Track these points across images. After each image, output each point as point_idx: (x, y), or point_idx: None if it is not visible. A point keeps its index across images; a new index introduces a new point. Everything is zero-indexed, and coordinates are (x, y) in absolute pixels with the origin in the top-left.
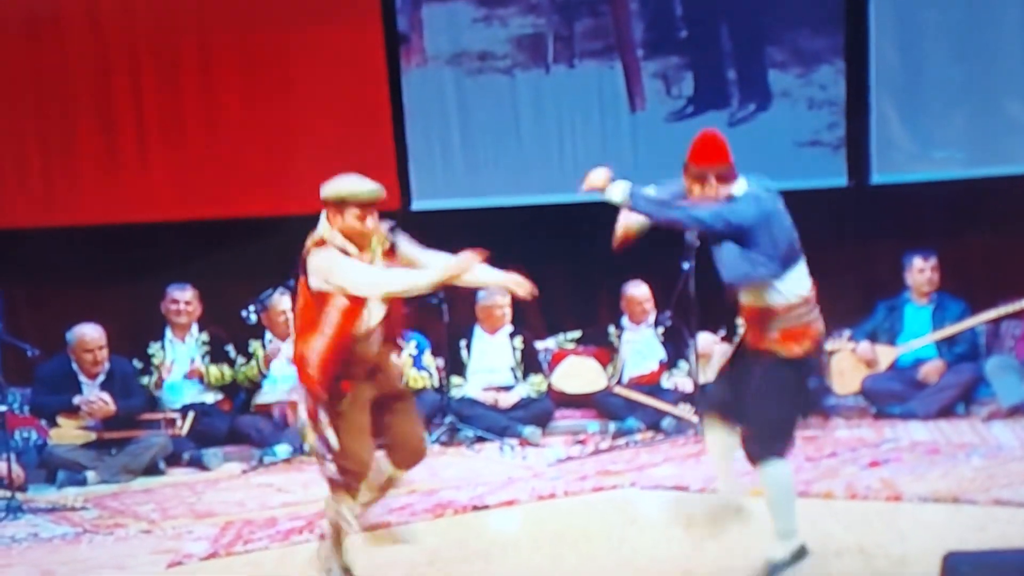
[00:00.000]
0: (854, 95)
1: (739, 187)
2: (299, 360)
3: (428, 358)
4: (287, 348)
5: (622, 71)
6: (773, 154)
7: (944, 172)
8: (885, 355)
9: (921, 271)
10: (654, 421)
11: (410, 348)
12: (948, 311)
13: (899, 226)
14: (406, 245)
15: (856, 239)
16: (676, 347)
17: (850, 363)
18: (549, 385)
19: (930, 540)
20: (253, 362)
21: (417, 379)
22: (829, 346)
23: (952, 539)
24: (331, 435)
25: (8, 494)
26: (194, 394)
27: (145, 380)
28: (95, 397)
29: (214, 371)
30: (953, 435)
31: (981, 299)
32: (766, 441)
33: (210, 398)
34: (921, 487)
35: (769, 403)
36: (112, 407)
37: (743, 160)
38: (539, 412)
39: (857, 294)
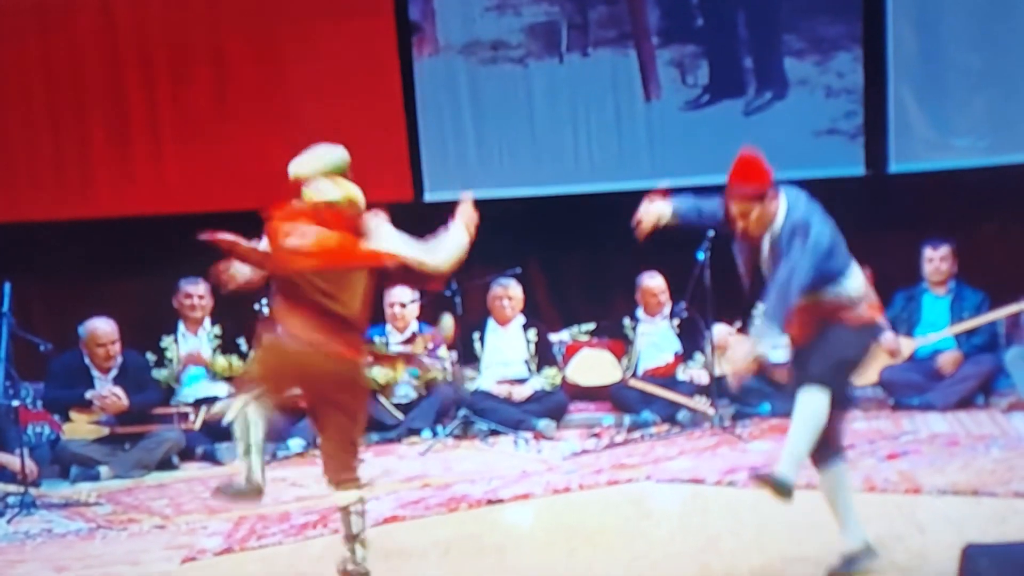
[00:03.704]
0: (872, 83)
1: (782, 202)
2: None
3: (443, 349)
4: None
5: (637, 60)
6: (790, 143)
7: (964, 160)
8: (904, 347)
9: (930, 260)
10: (669, 414)
11: (425, 340)
12: (966, 301)
13: (918, 215)
14: (379, 228)
15: (873, 229)
16: (692, 339)
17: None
18: (563, 378)
19: (949, 533)
20: None
21: (431, 371)
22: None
23: (972, 531)
24: None
25: (21, 489)
26: (207, 388)
27: (159, 374)
28: (108, 392)
29: (221, 362)
30: (972, 427)
31: (1002, 289)
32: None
33: (223, 392)
34: (940, 479)
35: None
36: (125, 402)
37: (759, 149)
38: (553, 405)
39: (875, 285)
